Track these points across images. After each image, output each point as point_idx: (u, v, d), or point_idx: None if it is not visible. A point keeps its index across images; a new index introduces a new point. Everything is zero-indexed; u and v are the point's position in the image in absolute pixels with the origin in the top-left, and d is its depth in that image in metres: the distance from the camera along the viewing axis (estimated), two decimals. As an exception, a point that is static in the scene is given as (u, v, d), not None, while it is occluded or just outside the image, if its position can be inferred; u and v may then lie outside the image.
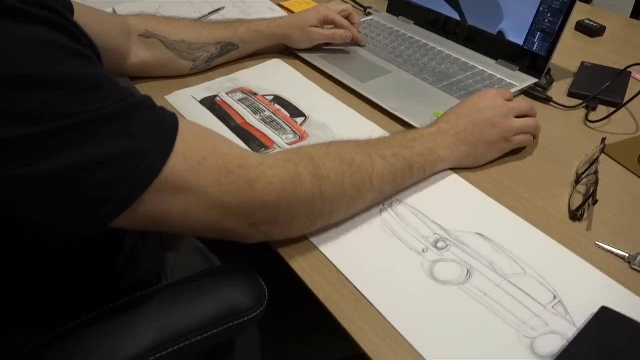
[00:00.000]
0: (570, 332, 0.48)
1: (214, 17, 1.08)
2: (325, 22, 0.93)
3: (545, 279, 0.53)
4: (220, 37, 0.87)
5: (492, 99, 0.67)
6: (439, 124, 0.66)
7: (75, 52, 0.42)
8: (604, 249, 0.56)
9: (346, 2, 1.11)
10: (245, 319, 0.50)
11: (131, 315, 0.48)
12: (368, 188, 0.57)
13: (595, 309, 0.49)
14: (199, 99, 0.82)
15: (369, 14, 1.11)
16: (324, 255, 0.55)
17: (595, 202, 0.59)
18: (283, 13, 1.12)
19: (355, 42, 0.96)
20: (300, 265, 0.55)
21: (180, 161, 0.45)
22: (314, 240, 0.57)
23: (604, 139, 0.69)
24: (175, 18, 0.88)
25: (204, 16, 1.06)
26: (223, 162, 0.48)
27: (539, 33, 0.83)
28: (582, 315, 0.49)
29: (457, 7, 0.94)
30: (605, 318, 0.47)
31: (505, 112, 0.66)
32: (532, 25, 0.84)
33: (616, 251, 0.55)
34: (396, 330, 0.48)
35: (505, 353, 0.46)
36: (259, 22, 0.91)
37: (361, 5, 1.15)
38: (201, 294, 0.51)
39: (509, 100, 0.69)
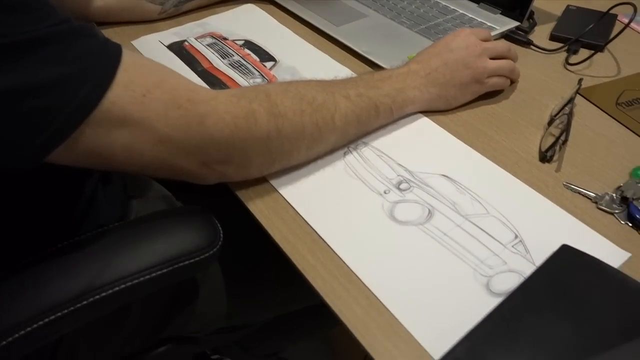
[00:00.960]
0: (529, 270, 0.46)
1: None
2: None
3: (508, 219, 0.51)
4: (190, -22, 0.84)
5: (465, 38, 0.64)
6: (409, 65, 0.63)
7: None
8: (572, 189, 0.54)
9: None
10: (197, 259, 0.49)
11: (79, 255, 0.47)
12: (330, 128, 0.55)
13: (556, 248, 0.47)
14: (167, 44, 0.79)
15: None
16: (283, 197, 0.54)
17: (564, 141, 0.57)
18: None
19: None
20: (258, 207, 0.53)
21: (123, 92, 0.43)
22: (273, 182, 0.55)
23: (580, 80, 0.67)
24: (141, -41, 0.84)
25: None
26: (170, 95, 0.46)
27: (521, -27, 0.79)
28: (543, 254, 0.48)
29: (439, -52, 0.90)
30: (565, 256, 0.46)
31: (478, 52, 0.63)
32: (514, -35, 0.80)
33: (584, 191, 0.53)
34: (351, 270, 0.47)
35: (460, 291, 0.45)
36: (230, -36, 0.87)
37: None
38: (153, 234, 0.50)
39: (486, 39, 0.66)
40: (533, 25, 0.81)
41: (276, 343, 0.91)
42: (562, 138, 0.57)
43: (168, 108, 0.45)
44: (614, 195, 0.53)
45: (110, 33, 0.82)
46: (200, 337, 0.71)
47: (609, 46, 0.77)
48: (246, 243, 0.64)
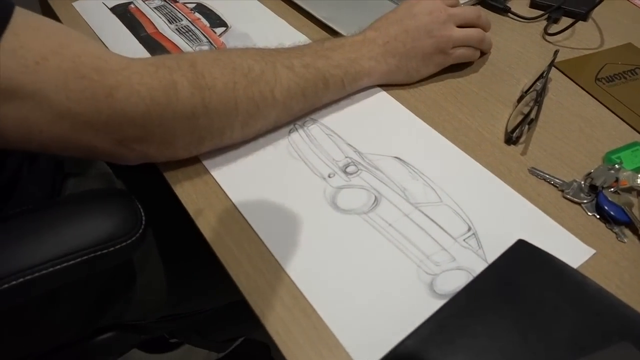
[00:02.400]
0: (480, 267, 0.41)
1: None
2: None
3: (462, 209, 0.46)
4: None
5: (429, 3, 0.57)
6: (366, 32, 0.57)
7: None
8: (538, 175, 0.48)
9: None
10: (111, 249, 0.43)
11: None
12: (269, 103, 0.49)
13: (513, 243, 0.42)
14: (111, 6, 0.72)
15: None
16: (215, 179, 0.48)
17: (532, 121, 0.51)
18: None
19: None
20: (185, 190, 0.47)
21: (9, 60, 0.37)
22: (206, 163, 0.49)
23: (556, 51, 0.60)
24: None
25: None
26: (72, 63, 0.39)
27: None
28: (497, 249, 0.42)
29: None
30: (520, 252, 0.41)
31: (443, 18, 0.56)
32: None
33: (550, 177, 0.48)
34: (279, 265, 0.42)
35: (401, 291, 0.40)
36: None
37: None
38: (60, 221, 0.44)
39: (453, 5, 0.60)
40: (512, -9, 0.74)
41: (233, 329, 0.87)
42: (531, 117, 0.51)
43: (68, 78, 0.39)
44: (583, 183, 0.47)
45: (50, -7, 0.75)
46: (145, 324, 0.67)
47: (595, 15, 0.70)
48: (186, 228, 0.59)
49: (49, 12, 0.75)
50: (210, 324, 0.78)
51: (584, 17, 0.67)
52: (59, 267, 0.42)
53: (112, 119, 0.41)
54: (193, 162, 0.49)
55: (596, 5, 0.65)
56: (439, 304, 0.39)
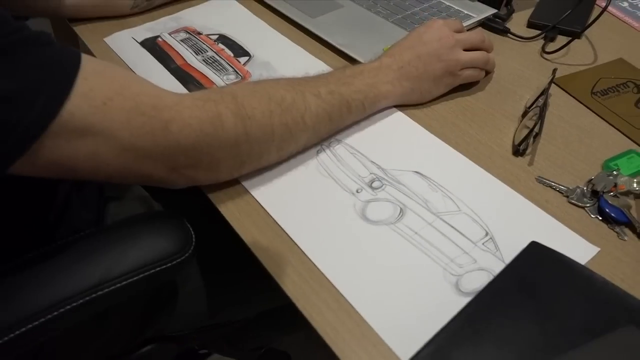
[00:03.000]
0: (498, 268, 0.47)
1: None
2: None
3: (479, 216, 0.51)
4: (161, -28, 0.82)
5: (438, 30, 0.63)
6: (382, 58, 0.63)
7: None
8: (544, 183, 0.54)
9: None
10: (169, 265, 0.49)
11: (52, 264, 0.47)
12: (301, 128, 0.54)
13: (526, 245, 0.48)
14: (140, 40, 0.78)
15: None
16: (255, 199, 0.54)
17: (537, 134, 0.56)
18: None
19: None
20: (229, 209, 0.53)
21: (82, 102, 0.42)
22: (245, 183, 0.55)
23: (554, 70, 0.66)
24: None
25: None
26: (133, 102, 0.45)
27: (498, -41, 0.78)
28: (513, 250, 0.48)
29: None
30: (533, 253, 0.46)
31: (451, 43, 0.62)
32: (491, -49, 0.79)
33: (555, 185, 0.53)
34: (321, 273, 0.47)
35: (430, 292, 0.45)
36: (204, -45, 0.85)
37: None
38: (124, 242, 0.49)
39: (459, 31, 0.66)
40: (511, 12, 0.80)
41: (263, 337, 0.91)
42: (535, 131, 0.57)
43: (131, 115, 0.45)
44: (585, 188, 0.53)
45: (82, 30, 0.80)
46: (183, 335, 0.72)
47: (587, 32, 0.76)
48: (224, 243, 0.64)
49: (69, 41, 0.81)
50: (241, 334, 0.83)
51: (578, 35, 0.73)
52: (125, 282, 0.47)
53: (168, 149, 0.47)
54: (233, 183, 0.55)
55: (590, 25, 0.71)
56: (464, 301, 0.44)
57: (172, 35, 0.79)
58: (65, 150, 0.43)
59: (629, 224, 0.49)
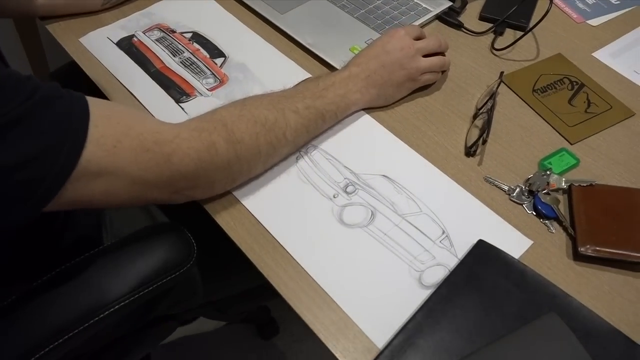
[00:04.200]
0: (453, 263, 0.57)
1: None
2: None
3: (437, 216, 0.61)
4: (129, -33, 0.83)
5: (400, 40, 0.70)
6: (350, 68, 0.69)
7: None
8: (491, 183, 0.64)
9: None
10: (177, 274, 0.57)
11: (70, 285, 0.54)
12: (283, 144, 0.62)
13: (476, 240, 0.58)
14: (115, 40, 0.81)
15: None
16: (246, 207, 0.61)
17: (484, 142, 0.66)
18: None
19: None
20: (225, 219, 0.61)
21: (95, 148, 0.48)
22: (236, 193, 0.62)
23: (501, 73, 0.74)
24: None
25: None
26: (138, 141, 0.51)
27: (453, -46, 0.83)
28: (464, 245, 0.58)
29: None
30: (480, 250, 0.57)
31: (412, 53, 0.69)
32: (447, -55, 0.83)
33: (498, 184, 0.64)
34: (308, 275, 0.56)
35: (398, 286, 0.56)
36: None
37: None
38: (135, 256, 0.57)
39: (419, 37, 0.72)
40: (464, 4, 0.86)
41: (250, 305, 1.02)
42: (484, 137, 0.66)
43: (137, 153, 0.51)
44: (523, 187, 0.63)
45: (55, 29, 0.82)
46: (184, 312, 0.81)
47: (531, 24, 0.84)
48: (219, 239, 0.72)
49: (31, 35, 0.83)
50: (231, 305, 0.93)
51: (524, 29, 0.81)
52: (140, 294, 0.55)
53: (171, 178, 0.54)
54: (225, 194, 0.62)
55: (538, 23, 0.78)
56: (426, 293, 0.54)
57: (146, 34, 0.82)
58: (84, 191, 0.49)
59: (556, 219, 0.60)
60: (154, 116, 0.69)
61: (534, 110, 0.72)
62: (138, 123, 0.52)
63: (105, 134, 0.49)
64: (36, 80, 0.47)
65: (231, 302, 0.92)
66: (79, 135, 0.47)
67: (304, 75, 0.76)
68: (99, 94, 0.75)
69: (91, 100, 0.50)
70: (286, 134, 0.61)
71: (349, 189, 0.63)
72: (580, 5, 0.88)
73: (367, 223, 0.60)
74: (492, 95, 0.70)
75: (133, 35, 0.81)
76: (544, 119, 0.71)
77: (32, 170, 0.44)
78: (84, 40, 0.81)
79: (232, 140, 0.57)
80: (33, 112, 0.44)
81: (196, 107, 0.72)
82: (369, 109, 0.71)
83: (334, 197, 0.63)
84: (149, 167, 0.52)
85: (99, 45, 0.80)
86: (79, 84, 0.78)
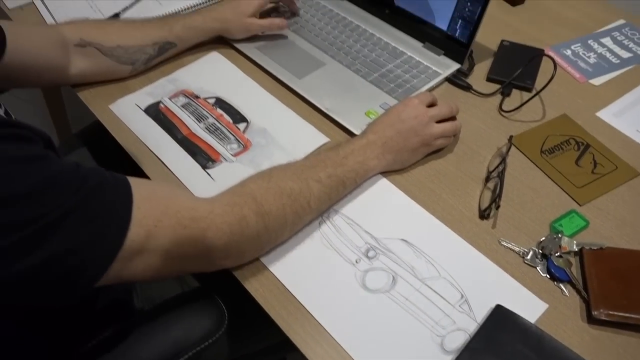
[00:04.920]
0: (472, 327, 0.60)
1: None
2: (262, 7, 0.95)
3: (455, 279, 0.64)
4: (156, 37, 0.88)
5: (414, 109, 0.74)
6: (367, 135, 0.73)
7: (27, 158, 0.46)
8: (504, 246, 0.67)
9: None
10: (210, 341, 0.60)
11: (110, 355, 0.57)
12: (307, 212, 0.65)
13: (493, 304, 0.61)
14: (143, 107, 0.85)
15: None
16: (273, 274, 0.65)
17: (497, 207, 0.69)
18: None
19: (293, 14, 1.00)
20: (254, 286, 0.64)
21: (139, 229, 0.52)
22: (263, 260, 0.66)
23: (511, 137, 0.78)
24: (107, 21, 0.88)
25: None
26: (176, 219, 0.55)
27: (460, 20, 0.88)
28: (483, 310, 0.61)
29: (386, -13, 0.97)
30: (498, 315, 0.59)
31: (425, 121, 0.74)
32: (454, 13, 0.88)
33: (512, 247, 0.67)
34: (334, 340, 0.59)
35: (421, 351, 0.58)
36: (193, 17, 0.91)
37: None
38: (169, 326, 0.60)
39: (432, 104, 0.77)
40: (472, 66, 0.91)
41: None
42: (497, 203, 0.69)
43: (176, 230, 0.54)
44: (536, 250, 0.66)
45: (87, 96, 0.87)
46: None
47: (537, 86, 0.88)
48: (245, 300, 0.75)
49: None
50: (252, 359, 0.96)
51: (530, 91, 0.85)
52: (178, 360, 0.58)
53: (206, 251, 0.57)
54: (254, 260, 0.65)
55: (545, 86, 0.82)
56: (448, 359, 0.57)
57: (172, 100, 0.86)
58: (126, 270, 0.52)
59: (569, 282, 0.63)
60: (186, 188, 0.73)
61: (543, 171, 0.76)
62: (174, 201, 0.56)
63: (147, 215, 0.53)
64: (84, 168, 0.51)
65: (252, 357, 0.95)
66: (124, 218, 0.51)
67: (323, 139, 0.80)
68: (124, 153, 0.79)
69: (132, 182, 0.54)
70: (310, 203, 0.65)
71: (370, 253, 0.67)
72: (582, 65, 0.93)
73: (389, 288, 0.64)
74: (503, 159, 0.74)
75: (160, 102, 0.86)
76: (553, 180, 0.75)
77: (83, 254, 0.48)
78: (113, 107, 0.85)
79: (261, 213, 0.60)
80: (83, 203, 0.48)
81: (222, 173, 0.76)
82: (386, 173, 0.75)
83: (356, 262, 0.66)
84: (186, 242, 0.55)
85: (127, 112, 0.85)
86: (104, 144, 0.83)
